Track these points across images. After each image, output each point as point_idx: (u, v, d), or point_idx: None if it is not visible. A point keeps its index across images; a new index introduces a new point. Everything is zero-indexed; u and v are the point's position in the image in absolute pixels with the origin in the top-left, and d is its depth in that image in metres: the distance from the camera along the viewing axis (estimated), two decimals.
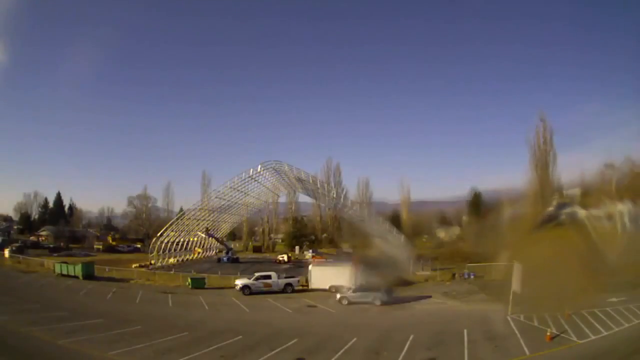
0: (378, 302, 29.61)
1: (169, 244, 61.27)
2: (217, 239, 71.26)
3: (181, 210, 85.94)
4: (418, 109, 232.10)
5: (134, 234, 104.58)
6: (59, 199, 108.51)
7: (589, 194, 74.95)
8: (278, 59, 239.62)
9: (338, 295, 31.55)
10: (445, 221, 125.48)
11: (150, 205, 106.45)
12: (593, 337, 18.70)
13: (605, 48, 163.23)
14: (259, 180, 66.07)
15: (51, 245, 74.28)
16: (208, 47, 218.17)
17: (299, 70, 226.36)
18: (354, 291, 31.41)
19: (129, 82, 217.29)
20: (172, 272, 48.15)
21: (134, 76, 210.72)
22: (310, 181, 66.45)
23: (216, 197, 64.07)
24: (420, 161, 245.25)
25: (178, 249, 64.31)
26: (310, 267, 38.85)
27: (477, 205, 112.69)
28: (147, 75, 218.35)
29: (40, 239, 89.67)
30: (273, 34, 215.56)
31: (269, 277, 36.09)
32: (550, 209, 72.72)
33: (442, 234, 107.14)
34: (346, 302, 30.36)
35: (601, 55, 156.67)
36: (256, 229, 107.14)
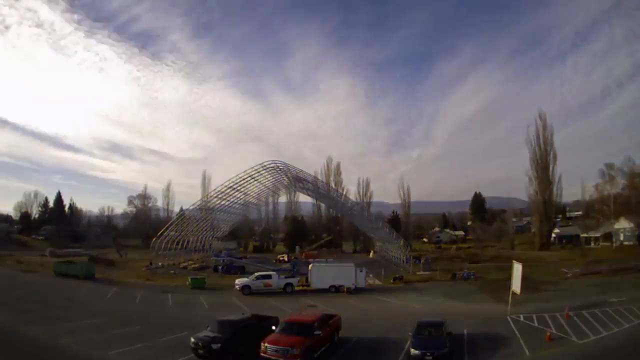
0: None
1: (169, 243, 61.30)
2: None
3: (181, 210, 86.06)
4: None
5: (134, 233, 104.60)
6: (59, 199, 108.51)
7: (589, 216, 75.50)
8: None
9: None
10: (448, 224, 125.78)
11: (150, 205, 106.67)
12: (593, 338, 18.68)
13: None
14: (259, 180, 66.08)
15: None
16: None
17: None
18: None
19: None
20: (172, 272, 48.26)
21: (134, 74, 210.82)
22: (310, 181, 66.53)
23: (216, 197, 64.07)
24: (420, 162, 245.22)
25: (179, 249, 64.32)
26: (310, 266, 38.83)
27: (481, 209, 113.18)
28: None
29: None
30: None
31: (269, 276, 36.03)
32: (557, 230, 73.55)
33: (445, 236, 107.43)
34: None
35: None
36: (256, 228, 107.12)
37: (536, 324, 21.58)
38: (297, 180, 70.54)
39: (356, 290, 35.88)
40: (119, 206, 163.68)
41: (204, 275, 42.52)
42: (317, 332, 16.00)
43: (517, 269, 24.84)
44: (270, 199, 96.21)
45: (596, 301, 26.85)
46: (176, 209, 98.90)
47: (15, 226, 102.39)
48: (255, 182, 65.77)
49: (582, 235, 70.94)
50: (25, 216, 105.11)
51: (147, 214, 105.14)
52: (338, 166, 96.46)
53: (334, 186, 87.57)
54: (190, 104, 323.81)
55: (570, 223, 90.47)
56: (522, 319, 22.85)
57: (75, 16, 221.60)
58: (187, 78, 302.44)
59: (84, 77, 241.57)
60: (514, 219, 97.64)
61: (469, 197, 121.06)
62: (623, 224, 61.96)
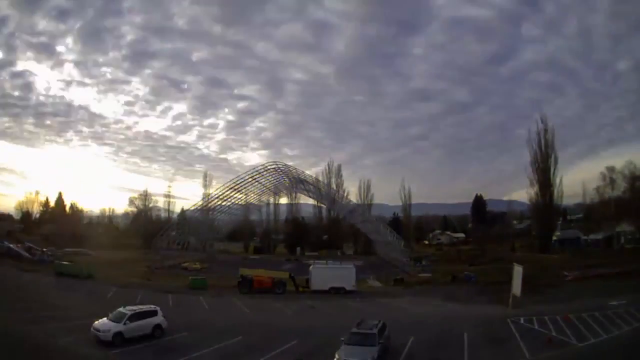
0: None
1: (170, 244, 61.41)
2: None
3: (182, 210, 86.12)
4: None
5: (135, 234, 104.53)
6: (60, 199, 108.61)
7: (590, 219, 75.35)
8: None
9: None
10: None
11: (151, 205, 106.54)
12: (593, 340, 18.68)
13: None
14: (260, 181, 66.21)
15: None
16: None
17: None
18: None
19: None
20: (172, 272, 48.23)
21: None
22: (312, 183, 66.64)
23: (217, 198, 64.16)
24: (421, 162, 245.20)
25: (179, 249, 64.40)
26: (310, 268, 38.82)
27: (482, 212, 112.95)
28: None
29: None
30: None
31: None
32: (557, 233, 73.23)
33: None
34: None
35: None
36: (257, 230, 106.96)
37: (536, 327, 21.59)
38: (299, 182, 70.67)
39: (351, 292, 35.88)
40: (120, 206, 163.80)
41: (204, 276, 42.51)
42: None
43: (518, 271, 24.91)
44: (271, 200, 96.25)
45: (596, 304, 26.81)
46: (177, 210, 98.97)
47: (16, 225, 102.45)
48: (257, 183, 65.91)
49: (582, 238, 70.79)
50: (26, 215, 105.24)
51: (148, 214, 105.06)
52: (339, 168, 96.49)
53: (335, 188, 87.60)
54: None
55: (571, 226, 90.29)
56: (522, 321, 22.86)
57: None
58: None
59: None
60: (514, 222, 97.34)
61: (469, 199, 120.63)
62: (624, 227, 61.88)
